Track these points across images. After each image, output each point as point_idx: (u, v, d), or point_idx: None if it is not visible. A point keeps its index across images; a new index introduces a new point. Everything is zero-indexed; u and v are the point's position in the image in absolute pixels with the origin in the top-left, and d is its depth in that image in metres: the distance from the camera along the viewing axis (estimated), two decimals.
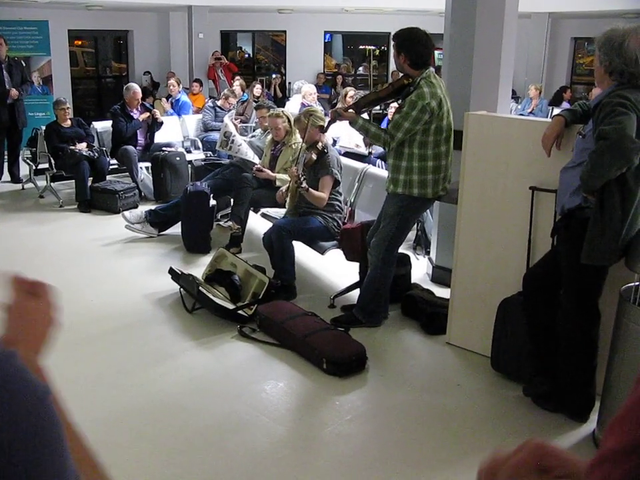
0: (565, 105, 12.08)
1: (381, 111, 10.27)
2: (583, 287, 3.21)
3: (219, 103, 9.88)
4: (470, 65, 4.79)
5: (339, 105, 9.30)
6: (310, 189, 4.87)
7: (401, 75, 4.18)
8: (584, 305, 3.22)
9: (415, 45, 4.02)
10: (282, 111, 6.06)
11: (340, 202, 5.08)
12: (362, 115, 4.25)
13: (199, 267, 5.35)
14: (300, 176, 4.85)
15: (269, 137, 6.24)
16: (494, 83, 4.82)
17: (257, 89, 11.15)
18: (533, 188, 3.61)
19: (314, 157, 4.97)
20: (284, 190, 5.21)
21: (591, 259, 3.04)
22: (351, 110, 4.20)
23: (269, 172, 5.89)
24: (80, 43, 15.98)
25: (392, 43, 4.16)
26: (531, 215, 3.65)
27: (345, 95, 9.23)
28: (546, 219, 3.58)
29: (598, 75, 3.11)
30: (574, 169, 3.11)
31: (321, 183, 4.94)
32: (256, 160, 6.50)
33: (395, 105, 5.67)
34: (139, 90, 8.22)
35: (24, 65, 9.15)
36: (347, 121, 4.25)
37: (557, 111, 10.24)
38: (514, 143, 3.70)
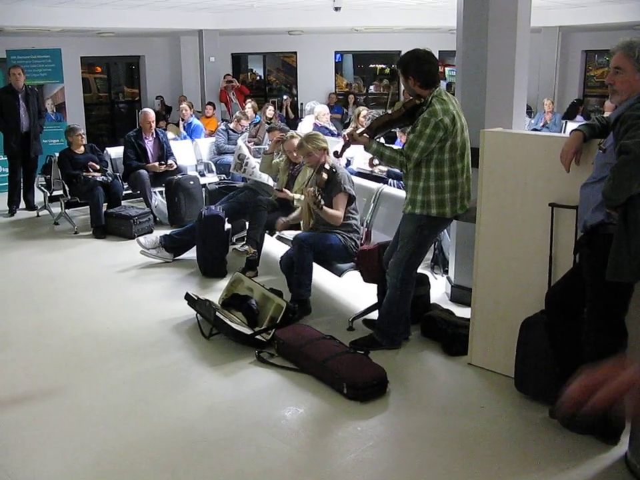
0: (579, 118, 12.02)
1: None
2: (607, 305, 3.13)
3: (231, 125, 9.90)
4: (484, 81, 4.75)
5: (352, 125, 9.32)
6: (324, 207, 4.84)
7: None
8: (609, 322, 3.14)
9: (421, 65, 3.99)
10: (296, 133, 6.06)
11: (357, 221, 5.04)
12: (376, 139, 4.20)
13: (215, 292, 5.31)
14: (317, 195, 4.81)
15: (283, 157, 6.23)
16: (508, 99, 4.78)
17: (270, 111, 11.18)
18: (552, 204, 3.54)
19: (325, 176, 4.96)
20: (287, 219, 5.31)
21: (615, 276, 2.96)
22: (365, 134, 4.16)
23: (288, 192, 5.87)
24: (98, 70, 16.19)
25: (398, 70, 4.11)
26: (551, 232, 3.58)
27: (358, 115, 9.23)
28: (567, 235, 3.51)
29: (628, 83, 3.01)
30: (595, 185, 3.05)
31: (334, 201, 4.91)
32: (270, 182, 6.48)
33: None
34: (150, 112, 8.28)
35: (37, 92, 9.22)
36: (362, 146, 4.21)
37: (571, 124, 10.22)
38: (532, 159, 3.64)
